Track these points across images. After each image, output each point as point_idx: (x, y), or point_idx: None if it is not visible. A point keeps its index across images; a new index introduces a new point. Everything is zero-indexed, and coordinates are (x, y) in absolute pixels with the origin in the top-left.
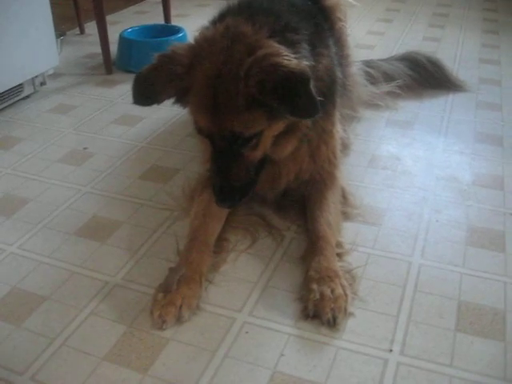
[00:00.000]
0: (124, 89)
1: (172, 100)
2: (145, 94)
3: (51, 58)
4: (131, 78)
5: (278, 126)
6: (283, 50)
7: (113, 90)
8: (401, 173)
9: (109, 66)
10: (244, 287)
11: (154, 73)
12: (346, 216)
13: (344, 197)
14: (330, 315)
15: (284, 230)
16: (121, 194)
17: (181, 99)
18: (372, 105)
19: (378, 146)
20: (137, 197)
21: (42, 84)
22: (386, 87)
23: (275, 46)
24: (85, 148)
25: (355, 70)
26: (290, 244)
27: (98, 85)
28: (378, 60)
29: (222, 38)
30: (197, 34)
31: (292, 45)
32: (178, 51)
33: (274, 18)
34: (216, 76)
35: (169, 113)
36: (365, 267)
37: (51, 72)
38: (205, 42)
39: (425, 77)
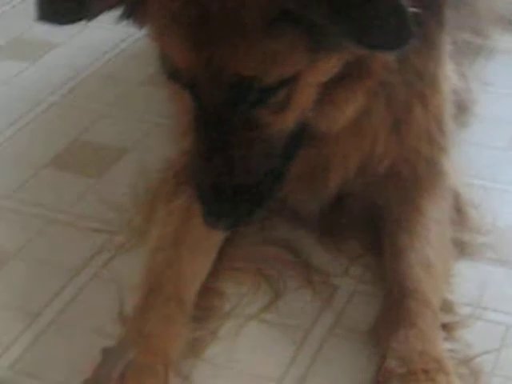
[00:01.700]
0: None
1: (117, 11)
2: None
3: None
4: None
5: (329, 67)
6: None
7: None
8: None
9: None
10: None
11: None
12: (461, 248)
13: (459, 210)
14: None
15: (336, 276)
16: (9, 197)
17: (134, 9)
18: None
19: None
20: (41, 204)
21: None
22: None
23: None
24: None
25: None
26: (348, 303)
27: None
28: None
29: None
30: None
31: None
32: None
33: None
34: None
35: (107, 36)
36: (499, 353)
37: None
38: None
39: None
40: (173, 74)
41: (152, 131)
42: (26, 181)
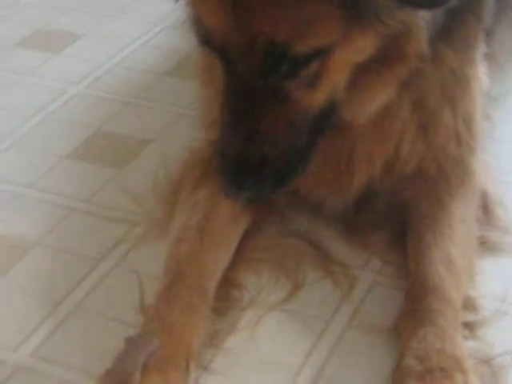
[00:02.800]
0: None
1: None
2: None
3: None
4: None
5: (363, 45)
6: None
7: None
8: None
9: None
10: (273, 381)
11: None
12: (487, 247)
13: (486, 209)
14: None
15: (356, 268)
16: (32, 187)
17: None
18: None
19: None
20: (63, 194)
21: None
22: None
23: None
24: None
25: None
26: (368, 295)
27: None
28: None
29: None
30: None
31: None
32: None
33: None
34: None
35: (130, 27)
36: None
37: None
38: None
39: None
40: (205, 39)
41: (175, 122)
42: (49, 170)
